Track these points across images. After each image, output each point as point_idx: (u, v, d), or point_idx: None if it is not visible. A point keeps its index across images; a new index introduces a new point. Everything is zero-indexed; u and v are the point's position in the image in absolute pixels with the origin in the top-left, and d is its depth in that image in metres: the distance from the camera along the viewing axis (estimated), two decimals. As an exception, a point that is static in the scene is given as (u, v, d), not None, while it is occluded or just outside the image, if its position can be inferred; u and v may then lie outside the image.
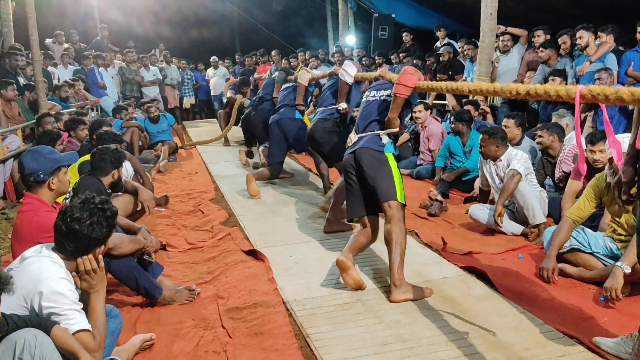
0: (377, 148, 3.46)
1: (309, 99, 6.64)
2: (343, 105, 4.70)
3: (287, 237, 4.48)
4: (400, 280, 3.18)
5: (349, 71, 4.51)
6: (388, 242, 3.27)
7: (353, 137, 3.65)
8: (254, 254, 4.07)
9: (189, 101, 13.14)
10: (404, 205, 3.37)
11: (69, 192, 3.64)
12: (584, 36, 5.90)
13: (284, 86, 6.30)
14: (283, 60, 11.20)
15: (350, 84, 4.57)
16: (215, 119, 11.09)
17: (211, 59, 13.14)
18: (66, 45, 10.59)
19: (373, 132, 3.53)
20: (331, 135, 4.83)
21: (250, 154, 7.72)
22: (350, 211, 3.64)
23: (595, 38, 5.96)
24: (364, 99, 3.81)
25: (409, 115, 3.70)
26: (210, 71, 13.14)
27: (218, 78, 12.83)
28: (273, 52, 11.91)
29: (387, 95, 3.57)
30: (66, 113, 7.06)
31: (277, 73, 7.09)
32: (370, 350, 2.67)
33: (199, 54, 14.76)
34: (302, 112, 5.90)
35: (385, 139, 3.49)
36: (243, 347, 2.76)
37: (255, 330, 2.92)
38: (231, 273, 3.74)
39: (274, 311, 3.12)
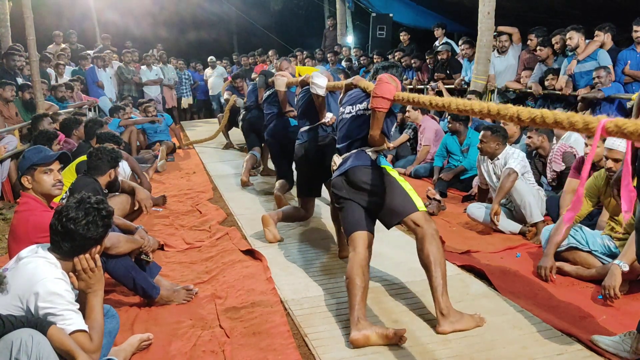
0: (369, 163, 3.07)
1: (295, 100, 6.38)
2: (329, 116, 4.20)
3: (284, 236, 4.46)
4: (448, 309, 2.77)
5: (319, 83, 3.99)
6: (426, 265, 2.83)
7: (337, 159, 3.24)
8: (251, 253, 4.06)
9: (186, 101, 13.13)
10: (429, 214, 2.97)
11: (66, 192, 3.64)
12: (574, 37, 5.94)
13: (267, 92, 5.81)
14: (282, 61, 11.12)
15: (323, 95, 4.07)
16: (212, 119, 11.08)
17: (209, 59, 13.16)
18: (63, 45, 10.58)
19: (358, 149, 3.14)
20: (328, 152, 4.00)
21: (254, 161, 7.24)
22: (345, 235, 3.16)
23: (593, 37, 5.96)
24: (340, 117, 3.40)
25: (394, 125, 3.17)
26: (208, 71, 13.15)
27: (216, 78, 12.85)
28: (270, 52, 11.92)
29: (365, 109, 3.15)
30: (63, 113, 7.05)
31: (257, 78, 6.72)
32: (368, 350, 2.66)
33: (196, 55, 14.76)
34: (294, 117, 5.33)
35: (374, 155, 3.10)
36: (241, 346, 2.75)
37: (253, 329, 2.91)
38: (229, 273, 3.74)
39: (271, 311, 3.11)
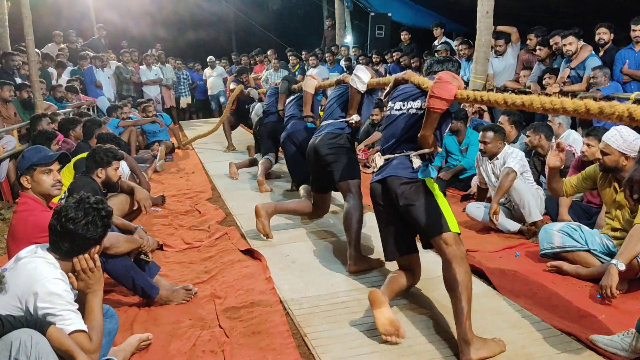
0: (408, 175, 2.85)
1: (319, 109, 5.94)
2: (355, 118, 3.94)
3: (284, 236, 4.47)
4: (472, 336, 2.57)
5: (362, 77, 3.79)
6: (451, 288, 2.64)
7: (378, 160, 3.02)
8: (251, 253, 4.06)
9: (185, 101, 13.12)
10: (458, 235, 2.77)
11: (65, 192, 3.64)
12: (572, 43, 5.94)
13: (289, 98, 5.74)
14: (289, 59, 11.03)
15: (362, 92, 3.85)
16: (212, 119, 11.04)
17: (208, 59, 13.15)
18: (62, 45, 10.57)
19: (402, 154, 2.92)
20: (340, 152, 3.93)
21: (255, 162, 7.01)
22: (386, 252, 3.08)
23: (595, 34, 5.98)
24: (387, 113, 3.16)
25: (447, 128, 3.02)
26: (207, 71, 13.14)
27: (215, 78, 12.84)
28: (269, 52, 11.90)
29: (418, 108, 2.93)
30: (62, 113, 7.04)
31: (280, 83, 6.42)
32: (368, 349, 2.67)
33: (195, 55, 14.76)
34: (313, 123, 5.19)
35: (418, 162, 2.86)
36: (240, 346, 2.75)
37: (252, 329, 2.91)
38: (228, 272, 3.74)
39: (271, 310, 3.11)
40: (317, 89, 5.12)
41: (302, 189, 4.96)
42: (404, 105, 3.01)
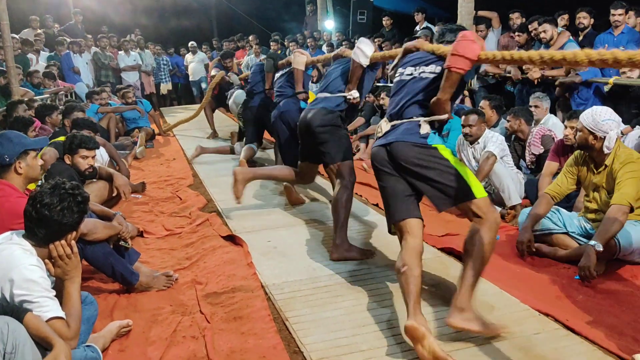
0: (417, 141, 2.65)
1: (310, 83, 5.83)
2: (354, 94, 3.73)
3: (265, 222, 4.46)
4: (467, 306, 2.49)
5: (365, 50, 3.55)
6: (469, 252, 2.53)
7: (384, 125, 2.82)
8: (232, 239, 4.05)
9: (165, 87, 12.98)
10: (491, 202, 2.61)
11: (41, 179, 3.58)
12: (547, 30, 5.97)
13: (278, 74, 5.44)
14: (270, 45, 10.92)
15: (365, 66, 3.64)
16: (193, 105, 10.93)
17: (189, 44, 12.99)
18: (38, 31, 10.36)
19: (411, 120, 2.71)
20: (333, 131, 3.75)
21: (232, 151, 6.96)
22: (391, 218, 2.78)
23: (576, 19, 6.03)
24: (396, 78, 2.94)
25: (460, 98, 2.72)
26: (188, 56, 13.00)
27: (197, 63, 12.71)
28: (251, 37, 11.79)
29: (431, 72, 2.73)
30: (39, 100, 6.92)
31: (264, 60, 6.07)
32: (349, 332, 2.68)
33: (176, 41, 14.57)
34: (305, 100, 4.99)
35: (427, 128, 2.66)
36: (221, 331, 2.75)
37: (233, 314, 2.91)
38: (209, 258, 3.72)
39: (252, 295, 3.11)
40: (307, 65, 4.97)
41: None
42: (415, 70, 2.81)
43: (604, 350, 2.47)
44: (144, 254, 3.75)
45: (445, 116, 2.66)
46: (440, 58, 2.69)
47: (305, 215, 4.62)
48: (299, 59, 4.89)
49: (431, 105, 2.64)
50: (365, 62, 3.60)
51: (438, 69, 2.68)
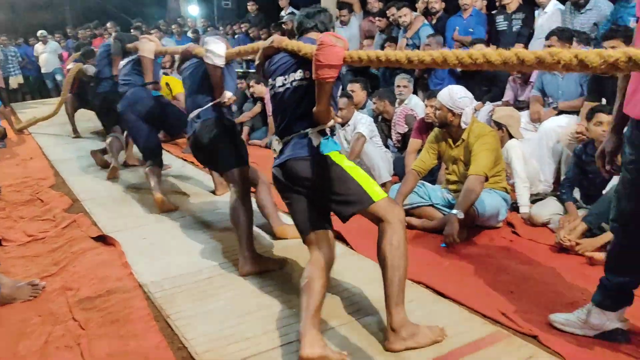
0: (309, 154, 2.51)
1: (160, 73, 5.42)
2: (228, 95, 3.45)
3: (138, 218, 4.28)
4: (402, 323, 2.37)
5: (216, 50, 3.27)
6: (385, 264, 2.40)
7: (276, 145, 2.68)
8: (103, 239, 3.84)
9: (15, 80, 11.87)
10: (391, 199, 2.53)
11: None
12: (406, 14, 6.35)
13: (124, 61, 4.97)
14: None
15: (222, 66, 3.35)
16: (49, 99, 10.12)
17: (39, 33, 11.93)
18: None
19: (299, 133, 2.56)
20: (221, 140, 3.45)
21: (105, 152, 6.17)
22: (300, 233, 2.63)
23: (429, 3, 6.42)
24: (270, 92, 2.74)
25: (339, 91, 2.62)
26: (39, 46, 11.93)
27: (49, 54, 11.76)
28: (108, 24, 11.09)
29: (301, 79, 2.56)
30: None
31: (113, 42, 5.52)
32: (234, 322, 2.67)
33: (27, 30, 13.33)
34: (158, 90, 4.76)
35: (317, 139, 2.51)
36: (99, 337, 2.60)
37: (110, 318, 2.77)
38: (80, 262, 3.50)
39: (129, 296, 2.98)
40: (155, 54, 4.58)
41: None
42: (285, 80, 2.62)
43: (470, 309, 2.70)
44: (4, 263, 3.48)
45: (332, 122, 2.54)
46: (303, 60, 2.52)
47: (181, 210, 4.49)
48: (147, 46, 4.53)
49: (314, 116, 2.51)
50: (221, 62, 3.33)
51: (307, 73, 2.52)
